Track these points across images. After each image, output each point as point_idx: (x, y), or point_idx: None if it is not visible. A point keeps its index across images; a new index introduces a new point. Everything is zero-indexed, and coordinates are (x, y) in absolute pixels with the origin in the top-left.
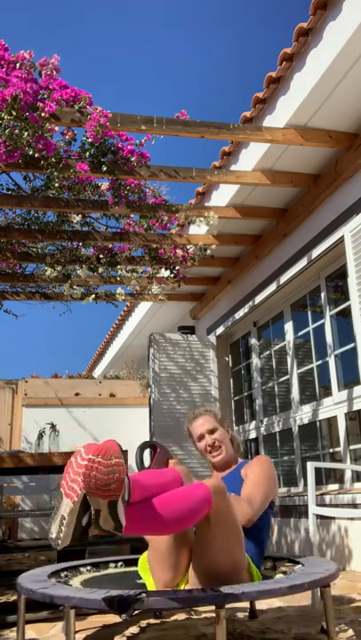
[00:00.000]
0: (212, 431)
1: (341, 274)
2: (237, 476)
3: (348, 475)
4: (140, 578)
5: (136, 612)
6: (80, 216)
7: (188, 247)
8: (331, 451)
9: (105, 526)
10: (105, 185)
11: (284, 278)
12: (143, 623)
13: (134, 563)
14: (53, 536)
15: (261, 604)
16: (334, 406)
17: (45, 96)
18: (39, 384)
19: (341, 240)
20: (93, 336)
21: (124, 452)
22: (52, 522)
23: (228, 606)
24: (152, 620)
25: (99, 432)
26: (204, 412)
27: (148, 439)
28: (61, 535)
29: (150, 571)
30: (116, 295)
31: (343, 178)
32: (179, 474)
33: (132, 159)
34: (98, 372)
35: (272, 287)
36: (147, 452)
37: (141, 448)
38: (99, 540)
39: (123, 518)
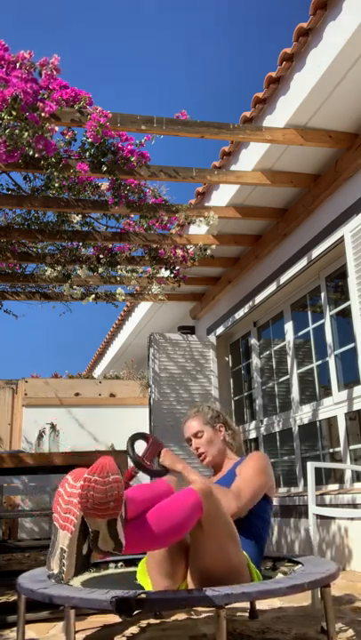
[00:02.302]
0: (196, 434)
1: (341, 274)
2: (232, 473)
3: (348, 475)
4: None
5: (136, 612)
6: (80, 216)
7: (188, 247)
8: (331, 451)
9: (104, 547)
10: (105, 185)
11: (284, 278)
12: (143, 623)
13: (134, 563)
14: (56, 571)
15: (262, 604)
16: (334, 406)
17: (45, 96)
18: (39, 384)
19: (341, 240)
20: (93, 336)
21: (120, 468)
22: (50, 557)
23: (228, 606)
24: (152, 620)
25: (99, 432)
26: (194, 413)
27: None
28: (64, 569)
29: (149, 577)
30: (116, 295)
31: (343, 178)
32: (170, 486)
33: (132, 159)
34: (98, 371)
35: (272, 287)
36: (138, 444)
37: (132, 439)
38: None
39: (122, 537)
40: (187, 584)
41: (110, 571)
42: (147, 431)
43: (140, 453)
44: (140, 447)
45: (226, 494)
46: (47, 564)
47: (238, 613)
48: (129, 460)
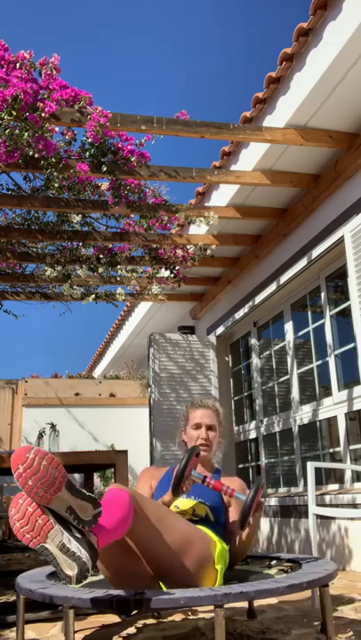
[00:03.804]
0: (210, 427)
1: (341, 274)
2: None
3: (348, 475)
4: None
5: (135, 612)
6: (80, 216)
7: (188, 247)
8: (331, 451)
9: (87, 515)
10: (105, 185)
11: (284, 278)
12: (142, 623)
13: None
14: (71, 573)
15: (261, 604)
16: (334, 406)
17: (45, 96)
18: (39, 384)
19: (341, 240)
20: (93, 336)
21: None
22: (60, 570)
23: (227, 606)
24: (151, 620)
25: (99, 432)
26: (213, 407)
27: (150, 439)
28: (80, 555)
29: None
30: (116, 295)
31: (343, 178)
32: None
33: (132, 159)
34: (98, 372)
35: (272, 287)
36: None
37: (190, 453)
38: None
39: (85, 490)
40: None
41: None
42: (146, 430)
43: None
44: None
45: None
46: (64, 578)
47: (238, 613)
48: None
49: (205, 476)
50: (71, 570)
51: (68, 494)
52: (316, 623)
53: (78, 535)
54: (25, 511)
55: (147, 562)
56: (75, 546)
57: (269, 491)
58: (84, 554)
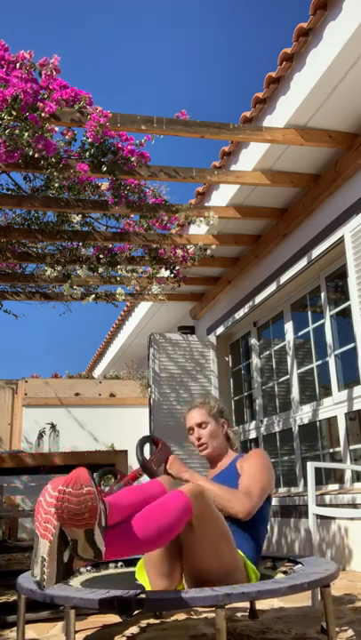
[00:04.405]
0: (200, 425)
1: (341, 274)
2: (233, 469)
3: (348, 475)
4: None
5: (136, 612)
6: (80, 216)
7: (188, 247)
8: (331, 451)
9: (85, 555)
10: (105, 185)
11: (284, 278)
12: (143, 623)
13: (134, 563)
14: (37, 578)
15: (262, 604)
16: (334, 406)
17: (45, 96)
18: (39, 384)
19: (341, 240)
20: (93, 336)
21: (93, 479)
22: (33, 565)
23: (228, 606)
24: (152, 620)
25: (99, 432)
26: (199, 404)
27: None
28: (45, 577)
29: (147, 578)
30: (116, 295)
31: (343, 178)
32: (162, 486)
33: (132, 159)
34: (98, 372)
35: (272, 287)
36: (147, 447)
37: (141, 443)
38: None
39: (102, 545)
40: (183, 585)
41: (110, 571)
42: (146, 431)
43: (148, 457)
44: (148, 451)
45: (235, 494)
46: (31, 571)
47: (238, 613)
48: (136, 461)
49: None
50: (36, 573)
51: (83, 536)
52: (316, 623)
53: (64, 560)
54: (50, 504)
55: (186, 572)
56: (51, 569)
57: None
58: (51, 579)
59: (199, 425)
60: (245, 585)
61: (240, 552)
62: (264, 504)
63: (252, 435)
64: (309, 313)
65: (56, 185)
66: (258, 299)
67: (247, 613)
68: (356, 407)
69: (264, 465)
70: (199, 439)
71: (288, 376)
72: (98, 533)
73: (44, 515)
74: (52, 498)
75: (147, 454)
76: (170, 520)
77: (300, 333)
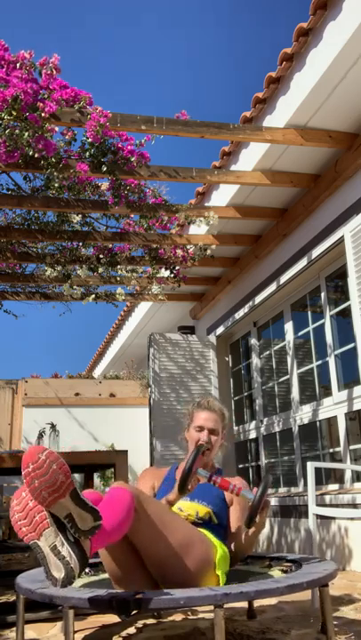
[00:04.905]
0: (212, 432)
1: (341, 274)
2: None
3: (348, 475)
4: None
5: (134, 612)
6: (80, 216)
7: (188, 247)
8: (331, 451)
9: (85, 525)
10: (105, 185)
11: (284, 278)
12: (141, 623)
13: None
14: (58, 576)
15: (261, 604)
16: (334, 406)
17: (45, 96)
18: (39, 384)
19: (341, 240)
20: (93, 336)
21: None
22: (48, 571)
23: (226, 606)
24: (150, 620)
25: (99, 432)
26: (218, 409)
27: (150, 439)
28: (68, 559)
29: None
30: (116, 295)
31: (343, 178)
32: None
33: (132, 159)
34: (98, 372)
35: (272, 287)
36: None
37: (198, 450)
38: None
39: (92, 504)
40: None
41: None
42: (146, 430)
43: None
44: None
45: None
46: (50, 579)
47: (238, 613)
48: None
49: (212, 474)
50: (58, 572)
51: (71, 502)
52: (315, 623)
53: (72, 539)
54: (25, 505)
55: (146, 562)
56: (66, 550)
57: (269, 491)
58: (73, 559)
59: (212, 431)
60: (244, 585)
61: (203, 530)
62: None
63: (252, 435)
64: (309, 313)
65: (56, 185)
66: (258, 299)
67: (246, 613)
68: (356, 407)
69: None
70: (208, 443)
71: (288, 376)
72: (82, 494)
73: (26, 518)
74: (22, 500)
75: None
76: (125, 504)
77: (300, 333)
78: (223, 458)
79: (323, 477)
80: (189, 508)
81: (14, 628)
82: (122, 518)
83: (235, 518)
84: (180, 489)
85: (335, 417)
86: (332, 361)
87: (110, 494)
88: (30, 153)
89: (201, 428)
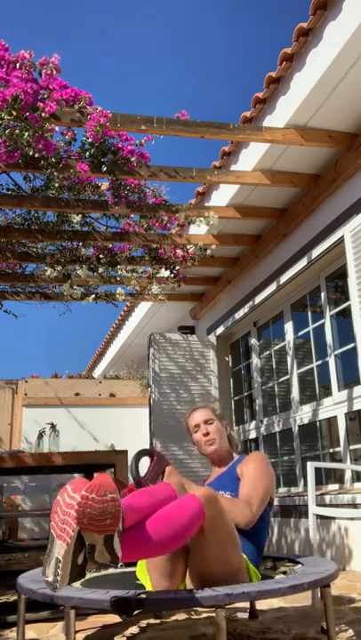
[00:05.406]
0: (207, 421)
1: (341, 274)
2: (233, 471)
3: (348, 475)
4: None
5: (136, 612)
6: (80, 216)
7: (188, 247)
8: (331, 451)
9: (101, 560)
10: (105, 185)
11: (284, 278)
12: (143, 623)
13: (134, 563)
14: (50, 579)
15: (262, 604)
16: (334, 406)
17: (45, 96)
18: (39, 384)
19: (341, 240)
20: (93, 336)
21: (117, 486)
22: (46, 565)
23: (228, 606)
24: (152, 620)
25: (99, 432)
26: (203, 405)
27: (150, 439)
28: (59, 578)
29: (149, 578)
30: (116, 295)
31: (343, 178)
32: (173, 490)
33: (132, 159)
34: (98, 372)
35: (272, 287)
36: (144, 460)
37: (137, 457)
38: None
39: (119, 551)
40: (185, 585)
41: (110, 571)
42: (146, 430)
43: (144, 472)
44: (145, 463)
45: (236, 504)
46: (42, 570)
47: (238, 613)
48: (130, 476)
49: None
50: (50, 575)
51: (102, 542)
52: (316, 623)
53: (78, 562)
54: (70, 507)
55: (192, 574)
56: (66, 569)
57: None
58: (60, 580)
59: (206, 421)
60: (245, 585)
61: (243, 555)
62: (266, 508)
63: (252, 435)
64: (309, 313)
65: (56, 185)
66: (258, 299)
67: (247, 613)
68: (356, 407)
69: (264, 470)
70: (207, 434)
71: (288, 376)
72: (117, 540)
73: (62, 516)
74: (73, 500)
75: (144, 468)
76: (184, 523)
77: (300, 333)
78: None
79: (323, 477)
80: None
81: (14, 628)
82: (169, 538)
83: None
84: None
85: (335, 417)
86: (332, 361)
87: (179, 504)
88: (30, 153)
89: (197, 427)
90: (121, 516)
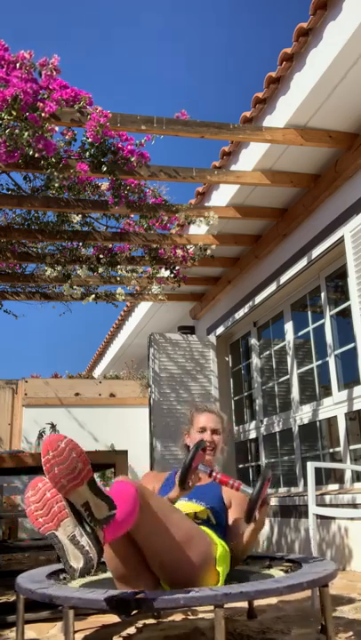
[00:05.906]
0: (215, 431)
1: (341, 274)
2: (218, 490)
3: (348, 475)
4: None
5: (135, 612)
6: (80, 216)
7: (188, 247)
8: (331, 451)
9: (100, 514)
10: (105, 185)
11: (284, 278)
12: (141, 623)
13: None
14: (76, 566)
15: (261, 604)
16: (334, 406)
17: (45, 96)
18: (39, 384)
19: (341, 240)
20: (93, 336)
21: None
22: (67, 560)
23: (227, 606)
24: (150, 621)
25: (99, 432)
26: (217, 412)
27: (150, 439)
28: (88, 549)
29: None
30: (116, 295)
31: (343, 178)
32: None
33: (132, 159)
34: (98, 372)
35: (272, 287)
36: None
37: (197, 446)
38: None
39: (104, 489)
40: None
41: (109, 574)
42: (146, 430)
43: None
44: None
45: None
46: (69, 571)
47: (238, 613)
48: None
49: (212, 469)
50: (77, 562)
51: (88, 490)
52: (315, 623)
53: (89, 530)
54: (43, 495)
55: (148, 558)
56: (85, 540)
57: (269, 491)
58: (93, 550)
59: (214, 431)
60: (244, 584)
61: (208, 531)
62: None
63: (252, 435)
64: (309, 313)
65: (56, 185)
66: (258, 299)
67: (246, 613)
68: (356, 407)
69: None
70: (211, 442)
71: (288, 376)
72: (99, 483)
73: (43, 508)
74: (39, 491)
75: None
76: (131, 496)
77: (300, 333)
78: (223, 459)
79: (323, 477)
80: (188, 507)
81: (14, 628)
82: (130, 509)
83: (234, 519)
84: (181, 484)
85: (335, 417)
86: (332, 361)
87: (115, 487)
88: (30, 153)
89: (203, 429)
90: (84, 452)
